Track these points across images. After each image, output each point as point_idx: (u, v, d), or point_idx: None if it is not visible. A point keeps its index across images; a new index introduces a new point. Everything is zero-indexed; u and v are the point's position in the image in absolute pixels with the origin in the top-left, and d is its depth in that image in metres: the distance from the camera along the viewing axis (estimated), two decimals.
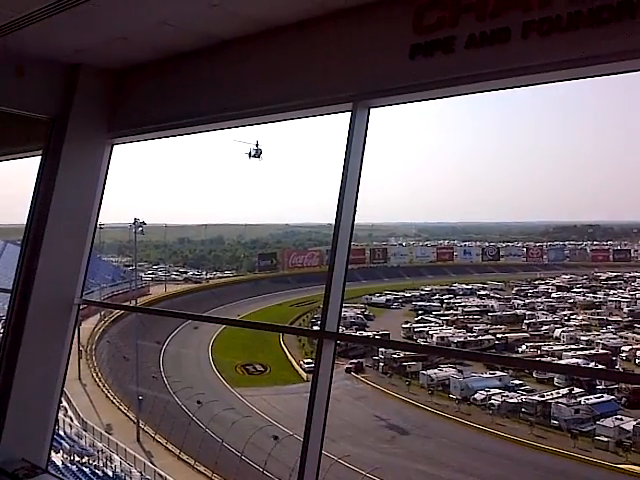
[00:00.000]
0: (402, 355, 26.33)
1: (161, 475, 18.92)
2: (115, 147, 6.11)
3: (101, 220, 5.88)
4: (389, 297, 34.21)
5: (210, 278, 37.66)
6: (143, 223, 30.39)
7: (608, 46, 4.65)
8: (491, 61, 5.18)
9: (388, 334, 28.29)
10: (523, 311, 31.29)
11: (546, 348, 27.23)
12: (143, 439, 22.29)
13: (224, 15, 4.92)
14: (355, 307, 32.56)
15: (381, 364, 27.12)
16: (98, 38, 5.01)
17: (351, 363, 27.16)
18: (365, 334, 28.34)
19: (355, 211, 5.83)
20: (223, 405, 23.28)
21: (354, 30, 6.15)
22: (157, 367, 28.05)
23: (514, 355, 26.39)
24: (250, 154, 31.42)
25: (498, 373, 24.52)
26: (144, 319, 27.09)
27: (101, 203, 5.87)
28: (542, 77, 5.18)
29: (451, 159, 39.40)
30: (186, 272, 38.14)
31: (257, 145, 31.50)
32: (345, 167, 5.83)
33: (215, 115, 7.05)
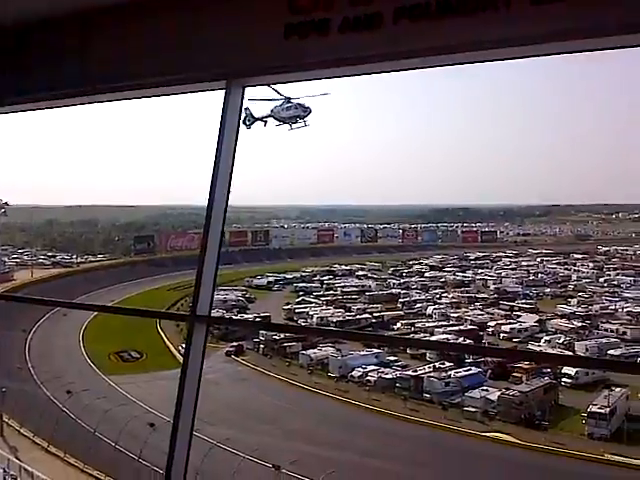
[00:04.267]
0: (282, 336, 26.56)
1: (27, 470, 17.93)
2: None
3: None
4: (270, 279, 34.19)
5: (81, 262, 35.81)
6: (6, 204, 28.42)
7: (474, 35, 4.85)
8: (364, 45, 5.25)
9: (269, 316, 28.39)
10: (398, 290, 32.45)
11: (419, 325, 28.43)
12: (7, 434, 21.04)
13: None
14: (236, 290, 32.19)
15: (262, 346, 27.17)
16: None
17: (232, 346, 26.93)
18: (246, 316, 28.43)
19: (229, 192, 5.73)
20: (96, 394, 22.45)
21: (230, 7, 5.99)
22: (22, 357, 26.50)
23: (390, 334, 27.45)
24: None
25: (375, 350, 25.32)
26: (7, 306, 25.39)
27: None
28: (411, 63, 5.32)
29: (334, 143, 39.71)
30: (55, 256, 35.98)
31: None
32: (218, 147, 5.70)
33: (85, 88, 6.63)
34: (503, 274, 33.74)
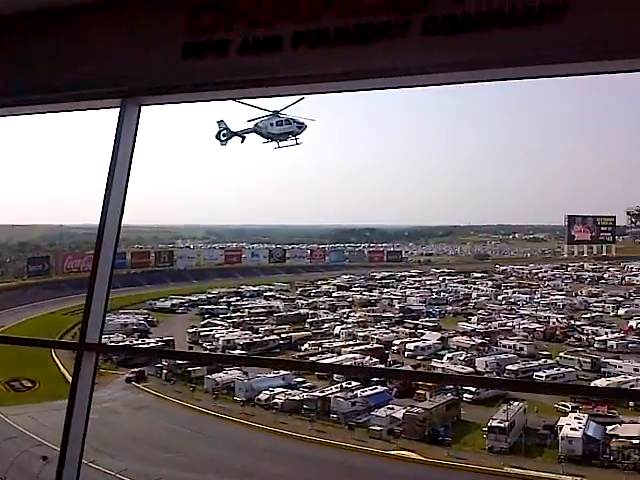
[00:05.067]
0: (186, 360, 25.83)
1: None
2: None
3: None
4: (175, 302, 33.23)
5: None
6: None
7: (369, 62, 4.95)
8: (262, 68, 5.24)
9: (173, 340, 27.66)
10: (306, 310, 32.52)
11: (327, 345, 28.51)
12: None
13: None
14: (137, 313, 31.04)
15: (164, 371, 26.21)
16: None
17: (132, 372, 25.77)
18: (148, 341, 27.45)
19: (122, 213, 5.51)
20: None
21: (128, 25, 5.82)
22: None
23: (298, 354, 27.42)
24: None
25: (282, 372, 25.12)
26: None
27: None
28: (309, 87, 5.36)
29: (242, 163, 39.55)
30: None
31: None
32: (112, 166, 5.49)
33: None
34: (408, 293, 34.61)
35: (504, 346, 27.93)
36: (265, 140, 22.02)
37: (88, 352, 4.53)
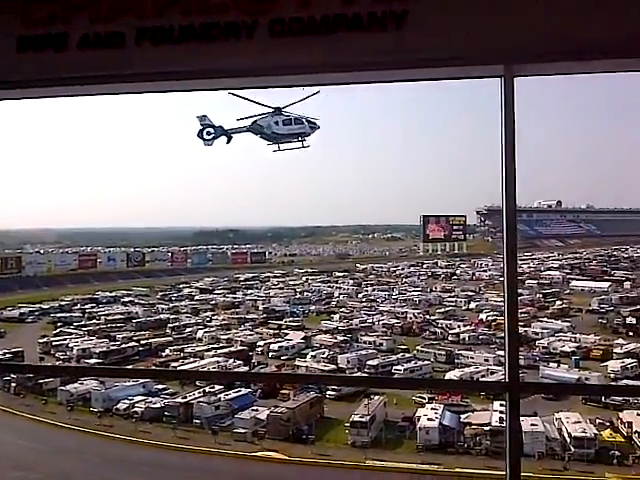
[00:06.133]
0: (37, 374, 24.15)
1: None
2: None
3: None
4: (23, 310, 30.97)
5: None
6: None
7: (216, 62, 4.88)
8: (104, 64, 4.99)
9: (22, 351, 25.80)
10: (167, 315, 31.69)
11: (189, 350, 27.98)
12: None
13: None
14: None
15: (13, 384, 24.36)
16: None
17: None
18: None
19: None
20: None
21: None
22: None
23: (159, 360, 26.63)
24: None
25: (141, 380, 24.23)
26: None
27: None
28: (156, 85, 5.19)
29: (93, 166, 37.66)
30: None
31: None
32: None
33: None
34: (272, 294, 34.78)
35: (365, 342, 28.83)
36: (269, 142, 18.34)
37: None
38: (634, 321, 28.49)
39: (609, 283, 33.47)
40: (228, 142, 17.90)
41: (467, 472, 20.00)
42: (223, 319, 31.34)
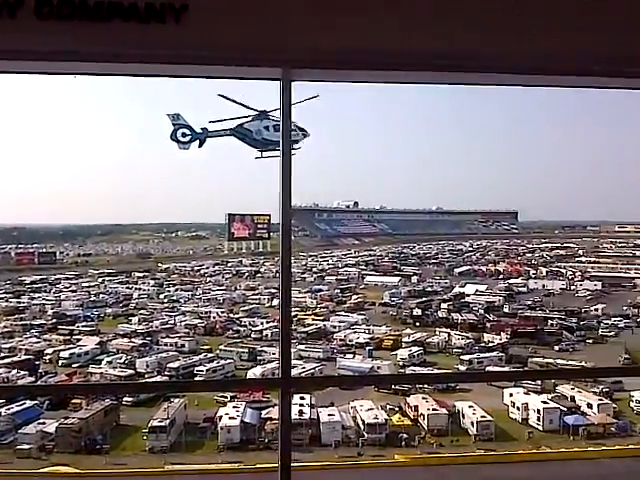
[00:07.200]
0: None
1: None
2: None
3: None
4: None
5: None
6: None
7: None
8: None
9: None
10: None
11: None
12: None
13: None
14: None
15: None
16: None
17: None
18: None
19: None
20: None
21: None
22: None
23: None
24: None
25: None
26: None
27: None
28: None
29: None
30: None
31: None
32: None
33: None
34: (63, 297, 32.41)
35: (165, 344, 28.18)
36: (259, 149, 16.63)
37: None
38: (419, 312, 31.10)
39: (399, 278, 36.07)
40: (200, 146, 16.53)
41: (266, 467, 20.39)
42: (5, 326, 28.64)
